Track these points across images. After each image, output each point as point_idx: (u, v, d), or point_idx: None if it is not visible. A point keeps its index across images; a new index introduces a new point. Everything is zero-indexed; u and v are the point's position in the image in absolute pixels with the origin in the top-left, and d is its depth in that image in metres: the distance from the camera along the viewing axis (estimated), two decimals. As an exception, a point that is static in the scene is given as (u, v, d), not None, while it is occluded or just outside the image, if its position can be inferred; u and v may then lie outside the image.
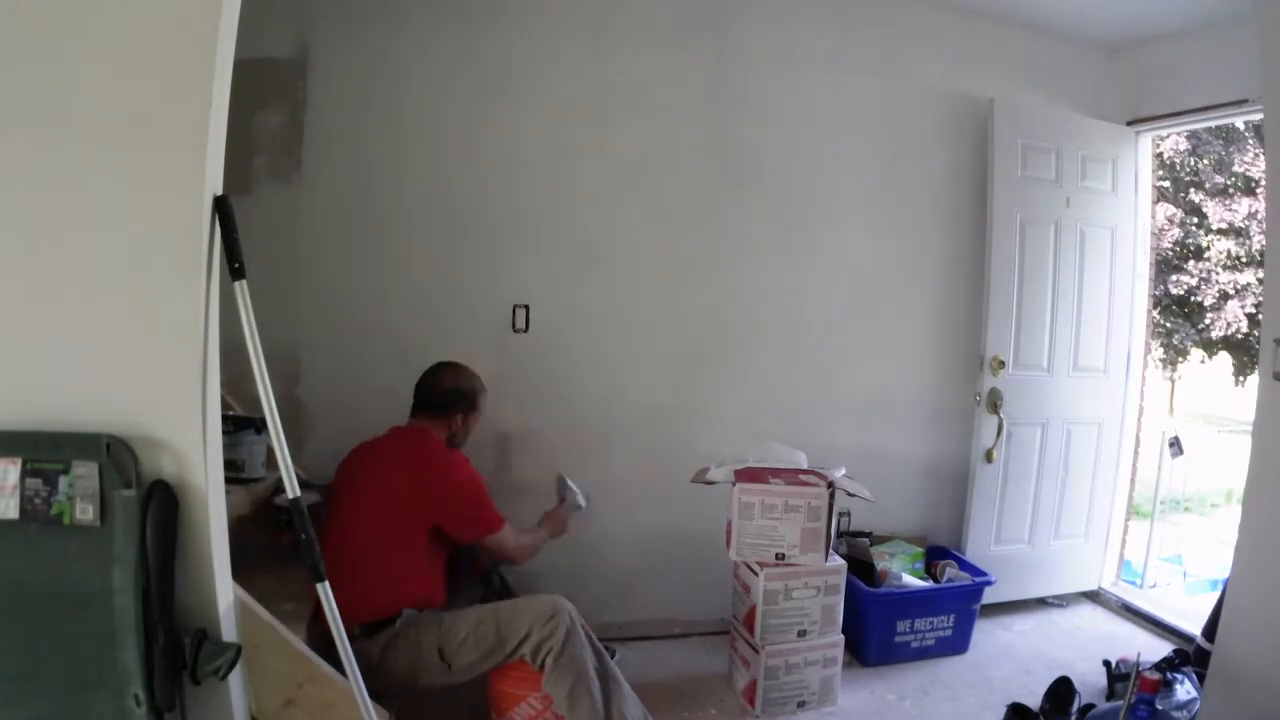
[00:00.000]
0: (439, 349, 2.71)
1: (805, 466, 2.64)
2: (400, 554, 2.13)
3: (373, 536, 2.12)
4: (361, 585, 1.99)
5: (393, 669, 2.01)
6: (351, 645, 1.81)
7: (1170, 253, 9.42)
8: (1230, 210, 9.20)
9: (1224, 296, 9.53)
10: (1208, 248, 9.48)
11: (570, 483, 2.56)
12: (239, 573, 1.53)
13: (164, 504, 1.33)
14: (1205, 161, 9.29)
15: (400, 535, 2.14)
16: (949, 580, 2.98)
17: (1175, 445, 3.86)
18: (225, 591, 1.46)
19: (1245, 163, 9.07)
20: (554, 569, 2.79)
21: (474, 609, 2.15)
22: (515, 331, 2.81)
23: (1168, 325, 9.86)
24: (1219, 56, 2.98)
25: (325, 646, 1.62)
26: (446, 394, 2.33)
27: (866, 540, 3.06)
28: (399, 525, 2.14)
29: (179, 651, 1.34)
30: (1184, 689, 2.22)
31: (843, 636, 2.59)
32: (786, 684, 2.51)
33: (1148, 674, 2.12)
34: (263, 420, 1.56)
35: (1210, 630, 2.41)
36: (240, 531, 1.88)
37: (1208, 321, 9.73)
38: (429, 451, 2.24)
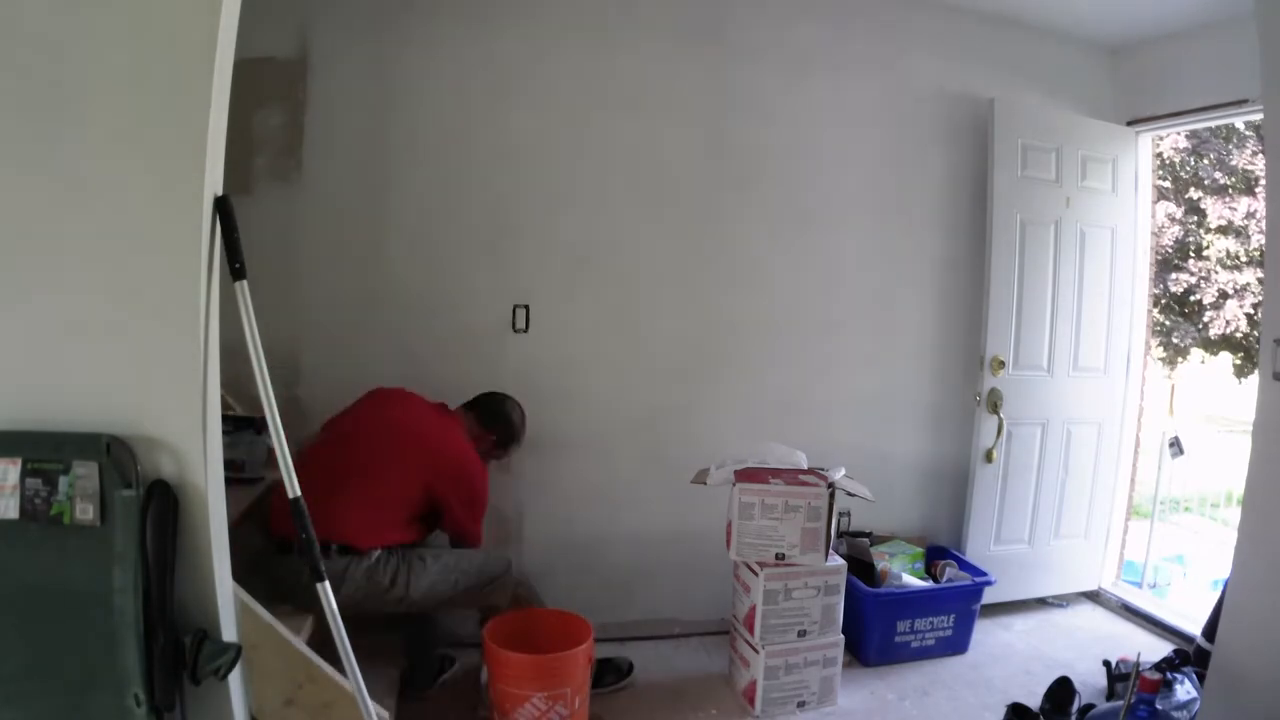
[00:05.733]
0: (439, 349, 2.73)
1: (805, 466, 2.64)
2: (397, 498, 2.23)
3: (383, 473, 2.21)
4: (352, 511, 2.12)
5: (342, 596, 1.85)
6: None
7: (1169, 251, 9.42)
8: (1230, 209, 9.19)
9: (1223, 295, 9.53)
10: (1207, 246, 9.47)
11: None
12: (239, 573, 1.54)
13: (164, 504, 1.33)
14: (1206, 160, 9.28)
15: (403, 484, 2.24)
16: (949, 580, 2.98)
17: (1175, 445, 3.86)
18: (225, 591, 1.46)
19: (1245, 159, 9.06)
20: (554, 569, 2.80)
21: (445, 554, 2.32)
22: (515, 331, 2.81)
23: (1167, 324, 9.86)
24: (1219, 56, 2.97)
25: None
26: (501, 412, 2.53)
27: (866, 540, 3.06)
28: (407, 475, 2.24)
29: (179, 651, 1.35)
30: (1184, 689, 2.22)
31: (843, 636, 2.59)
32: (786, 684, 2.51)
33: (1148, 674, 2.12)
34: (263, 420, 1.56)
35: (1210, 630, 2.41)
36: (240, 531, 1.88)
37: (1206, 320, 9.72)
38: (458, 434, 2.40)
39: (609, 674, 2.56)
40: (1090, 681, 2.64)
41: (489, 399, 2.54)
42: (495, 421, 2.51)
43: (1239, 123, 7.17)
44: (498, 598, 2.36)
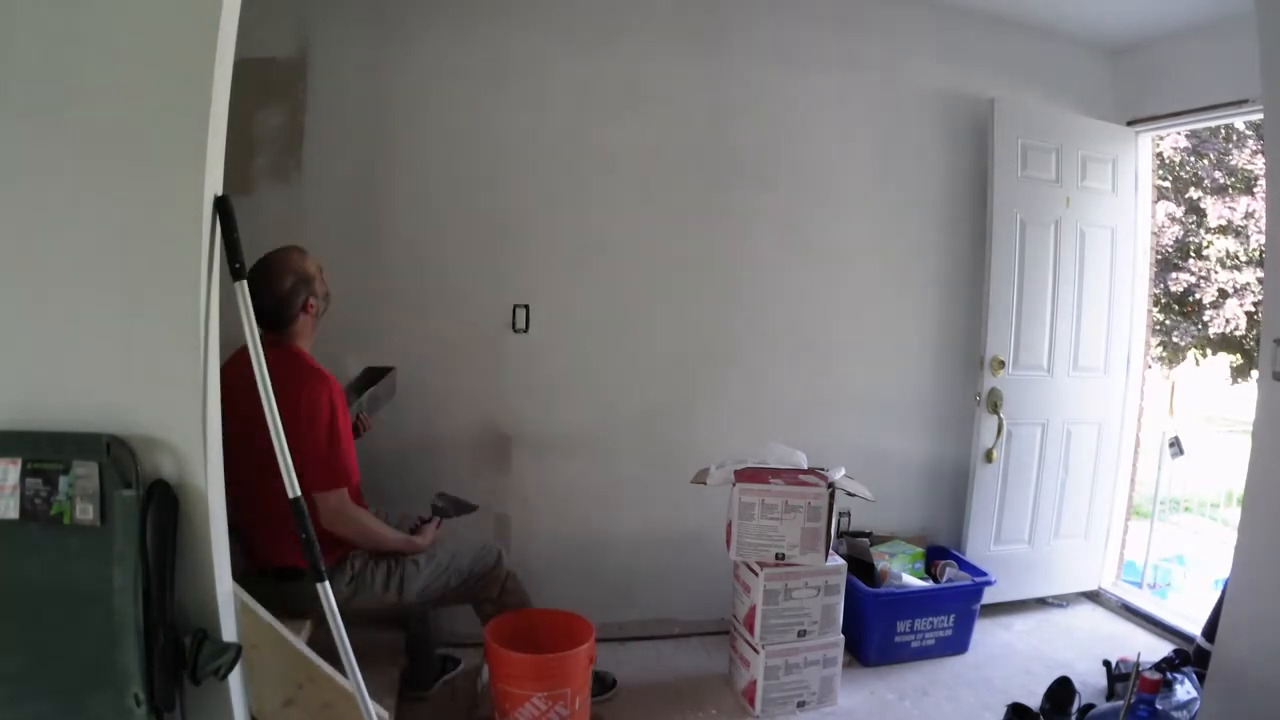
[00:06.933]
0: (439, 348, 2.73)
1: (805, 466, 2.64)
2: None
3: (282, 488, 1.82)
4: (289, 536, 1.66)
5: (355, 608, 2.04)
6: (275, 587, 1.92)
7: (1169, 250, 9.42)
8: (1230, 208, 9.20)
9: (1223, 294, 9.53)
10: (1207, 246, 9.48)
11: (444, 502, 2.37)
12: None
13: (164, 504, 1.33)
14: (1206, 160, 9.28)
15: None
16: (949, 580, 2.98)
17: (1175, 445, 3.86)
18: (225, 591, 1.46)
19: (1245, 159, 9.06)
20: (554, 569, 2.80)
21: (437, 554, 2.27)
22: (515, 331, 2.81)
23: (1167, 323, 9.86)
24: (1219, 56, 2.97)
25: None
26: (288, 296, 2.02)
27: (866, 540, 3.06)
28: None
29: (179, 651, 1.35)
30: (1184, 689, 2.22)
31: (843, 636, 2.59)
32: (786, 684, 2.51)
33: (1148, 674, 2.12)
34: (263, 420, 1.55)
35: (1210, 630, 2.40)
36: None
37: (1206, 319, 9.72)
38: (303, 373, 2.01)
39: (593, 685, 2.53)
40: (1090, 681, 2.64)
41: (269, 302, 1.97)
42: (293, 303, 2.04)
43: (1239, 123, 7.17)
44: (489, 589, 2.35)
